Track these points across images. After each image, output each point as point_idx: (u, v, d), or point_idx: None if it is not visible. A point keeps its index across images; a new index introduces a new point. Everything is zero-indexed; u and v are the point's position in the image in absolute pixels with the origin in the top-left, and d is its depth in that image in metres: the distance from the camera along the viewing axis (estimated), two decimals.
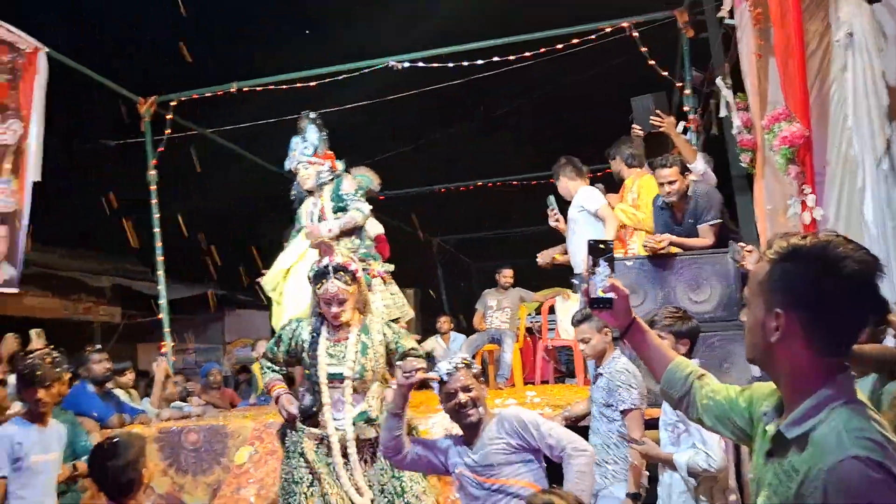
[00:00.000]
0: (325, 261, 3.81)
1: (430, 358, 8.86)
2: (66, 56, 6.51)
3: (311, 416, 3.79)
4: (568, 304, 7.58)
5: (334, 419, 3.75)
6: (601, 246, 1.96)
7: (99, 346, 5.77)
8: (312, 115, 5.75)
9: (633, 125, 6.00)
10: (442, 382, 3.20)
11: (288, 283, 5.62)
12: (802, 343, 1.53)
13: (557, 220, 5.66)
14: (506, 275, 8.33)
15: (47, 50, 6.18)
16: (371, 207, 5.66)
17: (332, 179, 5.63)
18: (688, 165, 5.29)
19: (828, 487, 1.38)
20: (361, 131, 6.20)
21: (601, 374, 4.17)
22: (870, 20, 4.11)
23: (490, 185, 10.86)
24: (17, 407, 3.96)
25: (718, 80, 5.61)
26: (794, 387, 1.57)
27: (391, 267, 5.79)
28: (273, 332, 6.38)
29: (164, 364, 6.51)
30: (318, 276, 3.78)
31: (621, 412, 3.94)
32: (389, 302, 5.54)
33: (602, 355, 4.16)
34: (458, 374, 3.18)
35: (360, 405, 3.78)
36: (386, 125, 8.24)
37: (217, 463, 5.08)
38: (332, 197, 5.60)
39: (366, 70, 7.05)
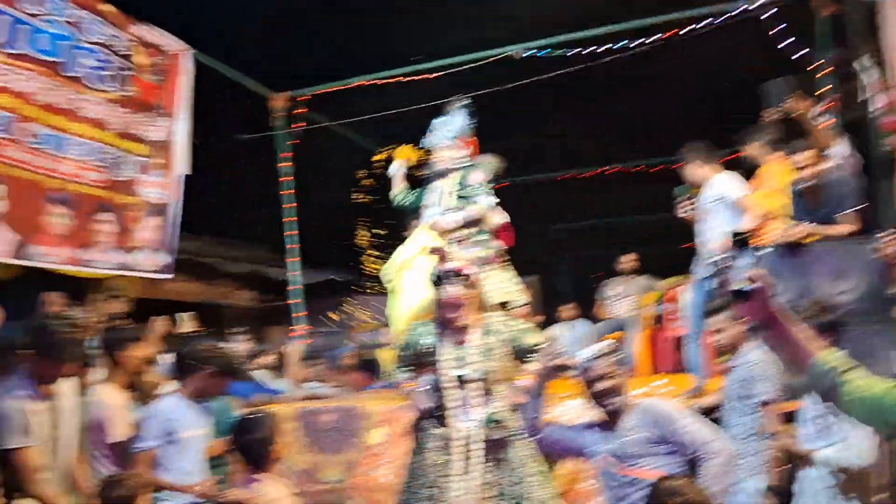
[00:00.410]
0: (442, 266, 3.91)
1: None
2: (205, 55, 6.86)
3: (438, 416, 3.82)
4: None
5: (460, 420, 3.75)
6: (741, 236, 1.93)
7: (243, 329, 6.10)
8: (465, 101, 5.83)
9: (766, 110, 5.78)
10: (583, 369, 3.24)
11: (405, 275, 5.70)
12: None
13: (692, 209, 5.47)
14: (625, 261, 8.21)
15: (193, 51, 6.54)
16: (497, 200, 5.70)
17: (463, 168, 5.72)
18: (826, 151, 5.08)
19: None
20: (482, 122, 6.24)
21: (735, 366, 4.09)
22: None
23: (608, 171, 10.71)
24: (172, 385, 4.26)
25: (859, 60, 5.33)
26: None
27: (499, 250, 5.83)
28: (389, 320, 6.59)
29: (297, 347, 6.80)
30: (436, 282, 3.87)
31: (759, 404, 3.86)
32: (504, 286, 5.60)
33: (736, 346, 4.08)
34: (599, 360, 3.21)
35: (486, 406, 3.76)
36: (506, 114, 8.25)
37: (351, 443, 5.30)
38: (457, 185, 5.69)
39: (489, 60, 7.10)
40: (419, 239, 5.73)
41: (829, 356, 1.93)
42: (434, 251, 5.32)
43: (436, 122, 5.86)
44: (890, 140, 4.97)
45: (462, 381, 3.76)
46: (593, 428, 3.31)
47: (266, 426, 3.47)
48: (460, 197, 5.67)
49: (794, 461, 3.80)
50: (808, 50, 6.48)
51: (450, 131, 5.77)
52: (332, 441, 5.34)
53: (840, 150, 5.19)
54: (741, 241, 1.68)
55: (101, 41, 5.64)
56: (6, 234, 4.93)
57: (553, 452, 3.66)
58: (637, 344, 7.42)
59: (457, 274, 3.82)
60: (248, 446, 3.44)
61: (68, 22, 5.33)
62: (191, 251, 8.70)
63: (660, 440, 3.07)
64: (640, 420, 3.13)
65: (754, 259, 1.62)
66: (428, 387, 3.83)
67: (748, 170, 5.95)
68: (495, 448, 3.73)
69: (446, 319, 3.85)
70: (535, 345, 3.91)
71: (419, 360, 3.97)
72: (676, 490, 2.70)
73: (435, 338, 3.91)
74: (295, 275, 7.90)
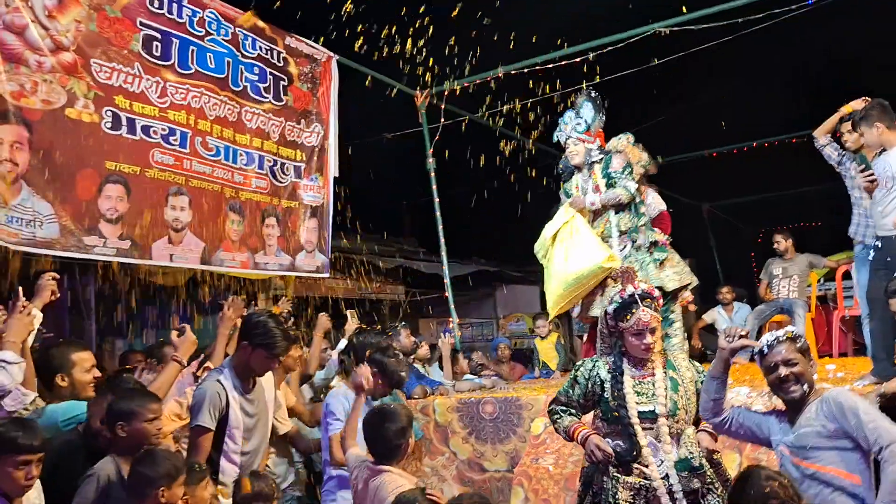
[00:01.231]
0: (631, 288, 3.46)
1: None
2: (347, 59, 7.09)
3: (623, 464, 3.33)
4: None
5: (654, 465, 3.29)
6: None
7: (404, 322, 6.29)
8: (593, 92, 5.80)
9: None
10: (762, 354, 3.12)
11: (555, 248, 5.73)
12: None
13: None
14: (778, 240, 7.81)
15: (338, 57, 6.80)
16: (637, 185, 5.62)
17: (602, 158, 5.70)
18: None
19: None
20: (630, 100, 6.12)
21: None
22: None
23: (766, 144, 10.21)
24: (340, 384, 4.42)
25: None
26: None
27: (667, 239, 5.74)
28: (544, 302, 6.58)
29: (451, 339, 6.91)
30: (626, 307, 3.41)
31: None
32: (679, 269, 5.53)
33: None
34: (779, 346, 3.08)
35: (677, 451, 3.32)
36: (652, 93, 8.06)
37: (513, 433, 5.36)
38: (602, 174, 5.67)
39: (635, 38, 6.93)
40: (562, 215, 5.77)
41: None
42: (620, 273, 5.24)
43: (565, 116, 5.84)
44: None
45: (644, 418, 3.33)
46: (781, 416, 3.17)
47: (397, 419, 3.43)
48: (608, 186, 5.65)
49: None
50: None
51: (579, 124, 5.74)
52: (495, 431, 5.42)
53: None
54: None
55: (259, 55, 5.99)
56: (194, 242, 5.36)
57: (736, 436, 3.41)
58: (803, 326, 7.04)
59: (648, 296, 3.42)
60: (377, 439, 3.42)
61: (228, 39, 5.70)
62: (347, 249, 9.06)
63: (841, 434, 2.88)
64: (822, 411, 2.96)
65: None
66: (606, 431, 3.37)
67: None
68: (694, 499, 3.28)
69: (635, 349, 3.42)
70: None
71: (588, 399, 3.51)
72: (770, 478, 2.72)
73: (609, 372, 3.48)
74: (445, 267, 8.03)
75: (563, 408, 3.53)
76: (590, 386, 3.47)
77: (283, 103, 6.24)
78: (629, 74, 7.35)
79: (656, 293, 3.48)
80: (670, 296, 5.48)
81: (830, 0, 6.21)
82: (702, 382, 3.40)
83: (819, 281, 8.34)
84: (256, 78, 5.95)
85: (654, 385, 3.38)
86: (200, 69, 5.44)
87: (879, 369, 4.83)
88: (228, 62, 5.68)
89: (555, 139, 5.96)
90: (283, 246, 6.23)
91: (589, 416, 3.60)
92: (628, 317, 3.38)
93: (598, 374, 3.47)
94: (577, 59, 7.21)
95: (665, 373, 3.42)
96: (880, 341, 4.92)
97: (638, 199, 5.75)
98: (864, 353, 7.39)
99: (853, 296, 7.33)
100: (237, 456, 3.74)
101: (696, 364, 3.62)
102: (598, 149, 5.76)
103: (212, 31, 5.55)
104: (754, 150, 10.41)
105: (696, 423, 3.46)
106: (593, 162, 5.74)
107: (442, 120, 7.94)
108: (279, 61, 6.22)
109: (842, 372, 5.46)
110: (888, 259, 4.83)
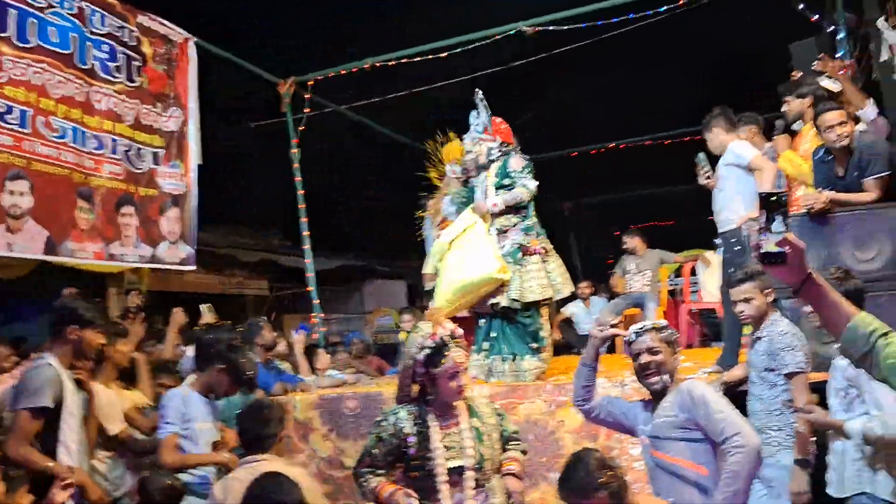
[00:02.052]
0: (441, 331, 3.21)
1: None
2: (209, 43, 6.80)
3: None
4: (713, 267, 7.36)
5: None
6: (774, 198, 1.87)
7: (264, 318, 6.09)
8: (480, 94, 5.81)
9: (793, 72, 5.65)
10: (629, 343, 3.17)
11: (451, 252, 5.74)
12: None
13: (709, 178, 5.36)
14: (625, 240, 8.17)
15: (195, 39, 6.50)
16: (537, 183, 5.65)
17: (502, 156, 5.71)
18: (857, 113, 4.96)
19: None
20: (494, 98, 6.19)
21: (761, 338, 4.03)
22: None
23: (622, 146, 10.63)
24: (191, 379, 4.22)
25: (880, 21, 5.21)
26: None
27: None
28: (411, 297, 6.58)
29: (304, 335, 6.62)
30: (438, 350, 3.17)
31: (786, 375, 3.81)
32: (545, 282, 5.52)
33: (762, 317, 4.03)
34: (645, 335, 3.13)
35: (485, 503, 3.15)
36: (518, 91, 8.20)
37: None
38: (497, 173, 5.68)
39: (498, 37, 7.02)
40: (464, 218, 5.78)
41: (867, 318, 1.88)
42: (430, 317, 4.61)
43: (470, 118, 5.86)
44: None
45: (452, 474, 3.11)
46: (646, 405, 3.22)
47: (267, 412, 3.49)
48: (500, 186, 5.66)
49: (821, 434, 3.75)
50: (821, 14, 6.39)
51: (479, 125, 5.78)
52: (356, 427, 5.33)
53: (869, 113, 5.08)
54: (775, 205, 1.60)
55: (108, 32, 5.63)
56: (36, 230, 4.94)
57: (605, 424, 3.46)
58: (654, 318, 7.37)
59: (458, 337, 3.23)
60: (248, 431, 3.47)
61: (74, 14, 5.31)
62: (207, 241, 8.70)
63: (692, 424, 2.95)
64: (676, 401, 3.03)
65: (784, 224, 1.55)
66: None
67: (789, 131, 5.83)
68: None
69: (449, 393, 3.18)
70: (516, 432, 3.44)
71: (392, 455, 3.21)
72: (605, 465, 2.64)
73: (414, 425, 3.19)
74: (308, 261, 7.85)
75: (369, 469, 3.23)
76: (395, 442, 3.19)
77: (137, 85, 5.90)
78: (496, 72, 7.46)
79: (460, 332, 3.27)
80: (533, 306, 5.50)
81: (685, 9, 6.50)
82: (504, 430, 3.35)
83: (669, 276, 8.78)
84: (106, 56, 5.58)
85: (461, 437, 3.17)
86: (42, 43, 5.03)
87: (724, 359, 5.12)
88: (74, 38, 5.29)
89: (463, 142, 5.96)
90: (142, 236, 5.90)
91: None
92: (442, 361, 3.16)
93: (402, 427, 3.18)
94: (444, 55, 7.23)
95: (469, 421, 3.23)
96: (729, 332, 5.22)
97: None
98: (710, 343, 7.90)
99: (699, 290, 7.77)
100: (74, 445, 3.55)
101: (498, 408, 3.51)
102: (499, 147, 5.76)
103: (54, 4, 5.15)
104: (613, 150, 10.79)
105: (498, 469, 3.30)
106: (492, 160, 5.74)
107: (306, 110, 7.76)
108: (131, 40, 5.88)
109: (689, 362, 5.73)
110: (727, 254, 5.14)
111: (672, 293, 8.77)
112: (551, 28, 6.97)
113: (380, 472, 3.22)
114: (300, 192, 7.83)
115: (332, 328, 12.90)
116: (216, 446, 4.03)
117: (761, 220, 1.86)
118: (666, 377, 3.09)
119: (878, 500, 3.41)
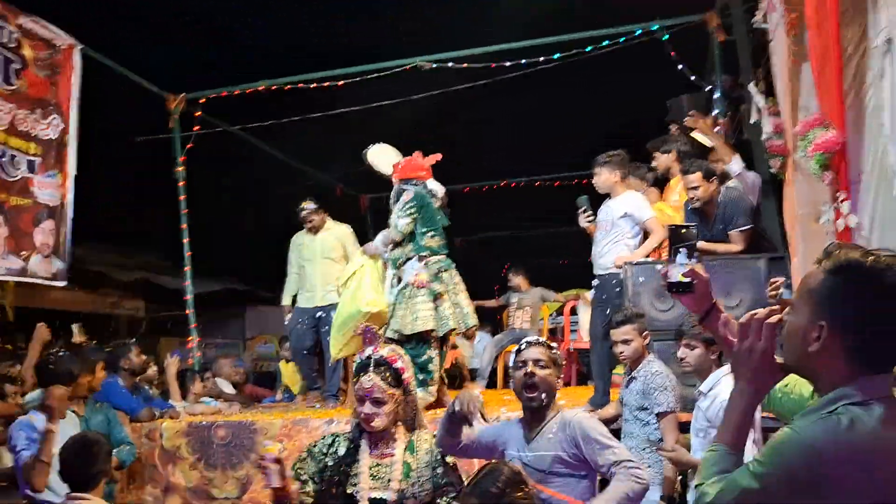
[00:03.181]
0: (368, 351, 3.02)
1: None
2: (97, 52, 6.56)
3: None
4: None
5: None
6: (682, 231, 1.95)
7: (134, 340, 5.84)
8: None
9: (670, 126, 5.97)
10: (517, 352, 3.06)
11: (350, 284, 5.81)
12: (842, 359, 1.52)
13: (590, 221, 5.52)
14: (509, 277, 8.42)
15: (81, 46, 6.25)
16: (408, 221, 5.60)
17: (401, 191, 5.76)
18: (724, 167, 5.30)
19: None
20: (388, 131, 6.22)
21: (635, 378, 4.19)
22: None
23: (513, 185, 10.88)
24: (34, 395, 4.02)
25: (751, 86, 5.59)
26: (826, 392, 1.55)
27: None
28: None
29: (176, 360, 6.34)
30: (361, 368, 2.98)
31: (657, 415, 3.96)
32: (428, 314, 5.47)
33: (639, 358, 4.19)
34: (533, 347, 3.02)
35: None
36: (413, 125, 8.26)
37: (246, 458, 5.14)
38: (397, 209, 5.74)
39: (396, 69, 7.07)
40: (354, 261, 5.96)
41: None
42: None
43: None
44: (774, 162, 5.23)
45: None
46: (519, 425, 3.06)
47: (91, 448, 3.36)
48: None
49: (685, 472, 3.91)
50: (701, 73, 6.80)
51: (388, 159, 5.88)
52: (227, 456, 5.15)
53: (734, 168, 5.41)
54: (682, 237, 1.68)
55: None
56: None
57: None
58: None
59: (383, 364, 2.96)
60: (72, 467, 3.32)
61: None
62: (79, 257, 8.27)
63: (579, 459, 2.88)
64: (565, 434, 2.92)
65: (691, 257, 1.62)
66: None
67: (659, 181, 6.14)
68: None
69: (359, 417, 2.97)
70: (449, 483, 3.01)
71: (327, 479, 2.97)
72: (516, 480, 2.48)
73: (346, 448, 3.03)
74: (186, 284, 7.59)
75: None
76: (326, 462, 2.99)
77: (14, 88, 5.61)
78: (395, 103, 7.50)
79: (397, 365, 2.99)
80: (417, 338, 5.44)
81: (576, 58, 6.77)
82: (436, 476, 2.99)
83: (551, 315, 8.98)
84: None
85: (391, 469, 2.96)
86: None
87: (596, 399, 5.27)
88: None
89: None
90: (12, 248, 5.56)
91: None
92: (356, 380, 2.98)
93: (336, 450, 3.02)
94: (340, 83, 7.23)
95: (403, 454, 3.00)
96: (598, 373, 5.38)
97: (419, 233, 5.66)
98: (588, 382, 8.10)
99: (577, 329, 7.97)
100: None
101: (439, 456, 3.05)
102: (400, 181, 5.78)
103: None
104: (505, 188, 11.02)
105: None
106: (398, 197, 5.76)
107: (195, 128, 7.56)
108: (11, 41, 5.60)
109: (563, 400, 5.83)
110: (604, 296, 5.32)
111: (553, 331, 8.96)
112: (449, 65, 7.09)
113: (302, 479, 2.98)
114: (183, 211, 7.59)
115: (212, 353, 12.50)
116: None
117: (672, 253, 1.93)
118: (545, 396, 2.96)
119: None
